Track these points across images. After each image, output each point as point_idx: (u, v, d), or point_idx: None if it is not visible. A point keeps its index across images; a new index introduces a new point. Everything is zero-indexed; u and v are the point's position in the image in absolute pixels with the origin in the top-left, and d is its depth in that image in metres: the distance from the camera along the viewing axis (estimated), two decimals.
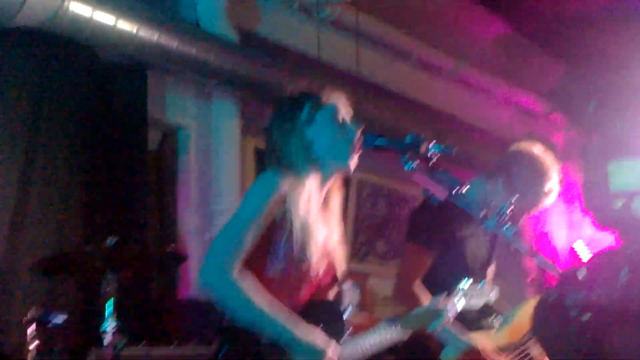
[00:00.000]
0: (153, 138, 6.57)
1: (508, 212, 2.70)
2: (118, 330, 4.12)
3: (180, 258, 4.56)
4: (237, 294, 2.76)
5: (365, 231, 8.25)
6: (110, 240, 4.08)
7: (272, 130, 3.02)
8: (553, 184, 3.92)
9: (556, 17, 9.16)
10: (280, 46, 7.24)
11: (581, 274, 1.18)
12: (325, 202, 3.07)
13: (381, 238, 8.49)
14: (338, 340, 2.94)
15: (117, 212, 5.64)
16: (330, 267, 3.07)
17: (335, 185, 3.11)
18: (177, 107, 6.59)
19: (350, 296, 6.59)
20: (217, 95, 6.66)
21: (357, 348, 2.97)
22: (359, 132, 3.00)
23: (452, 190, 2.78)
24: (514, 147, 4.05)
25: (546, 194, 3.92)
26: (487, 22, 9.63)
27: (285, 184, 2.87)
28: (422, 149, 2.85)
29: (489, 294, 3.50)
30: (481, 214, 2.73)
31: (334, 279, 3.11)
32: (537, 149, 3.98)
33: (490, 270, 4.11)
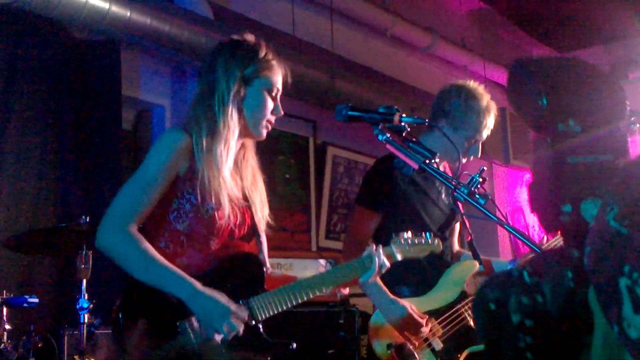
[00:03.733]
0: (127, 116, 6.54)
1: (479, 178, 2.71)
2: (93, 309, 4.11)
3: None
4: (133, 249, 2.78)
5: (341, 208, 8.25)
6: (84, 218, 4.05)
7: (211, 66, 3.05)
8: (486, 101, 3.95)
9: None
10: (255, 22, 7.21)
11: (528, 276, 1.15)
12: (243, 156, 3.13)
13: None
14: (256, 293, 2.95)
15: (91, 190, 5.62)
16: (247, 220, 3.08)
17: (251, 143, 3.18)
18: (151, 85, 6.55)
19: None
20: (192, 72, 6.63)
21: (276, 302, 2.96)
22: (281, 114, 3.10)
23: (424, 161, 2.78)
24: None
25: (485, 113, 3.93)
26: None
27: (187, 139, 2.90)
28: (395, 119, 2.85)
29: (434, 243, 3.48)
30: (452, 183, 2.73)
31: (252, 232, 3.12)
32: (461, 81, 4.05)
33: (453, 233, 4.15)
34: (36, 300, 4.32)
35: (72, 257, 4.09)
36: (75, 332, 4.25)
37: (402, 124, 2.87)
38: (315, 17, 7.93)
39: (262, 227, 3.14)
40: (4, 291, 4.33)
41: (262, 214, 3.14)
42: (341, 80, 7.15)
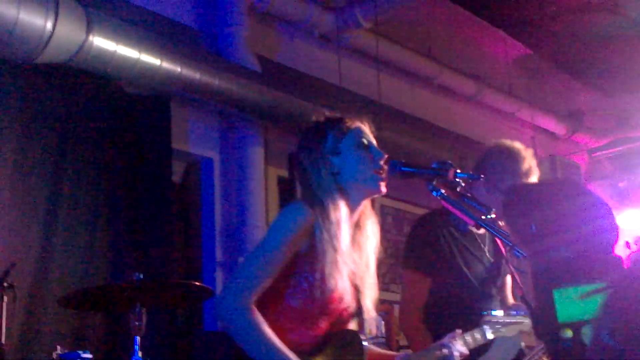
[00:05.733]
0: (177, 169, 6.59)
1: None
2: None
3: (206, 291, 4.53)
4: (254, 330, 2.72)
5: (389, 258, 8.20)
6: (138, 274, 4.06)
7: (299, 160, 3.00)
8: (528, 165, 3.81)
9: (573, 37, 9.18)
10: (302, 74, 7.27)
11: None
12: (358, 229, 3.04)
13: None
14: None
15: (143, 244, 5.65)
16: (355, 297, 3.02)
17: (367, 212, 3.08)
18: (200, 138, 6.61)
19: (375, 326, 6.50)
20: (240, 125, 6.68)
21: None
22: (385, 156, 2.97)
23: (480, 217, 2.75)
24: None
25: (523, 177, 3.78)
26: (506, 45, 9.64)
27: (311, 215, 2.82)
28: (449, 175, 2.82)
29: (523, 322, 3.44)
30: (509, 240, 2.70)
31: (358, 309, 3.06)
32: (506, 141, 3.91)
33: (500, 290, 4.00)
34: (90, 356, 4.31)
35: (125, 313, 4.09)
36: None
37: (457, 179, 2.84)
38: (361, 67, 7.97)
39: (368, 310, 3.05)
40: (58, 346, 4.33)
41: (370, 299, 3.05)
42: (388, 131, 7.14)
